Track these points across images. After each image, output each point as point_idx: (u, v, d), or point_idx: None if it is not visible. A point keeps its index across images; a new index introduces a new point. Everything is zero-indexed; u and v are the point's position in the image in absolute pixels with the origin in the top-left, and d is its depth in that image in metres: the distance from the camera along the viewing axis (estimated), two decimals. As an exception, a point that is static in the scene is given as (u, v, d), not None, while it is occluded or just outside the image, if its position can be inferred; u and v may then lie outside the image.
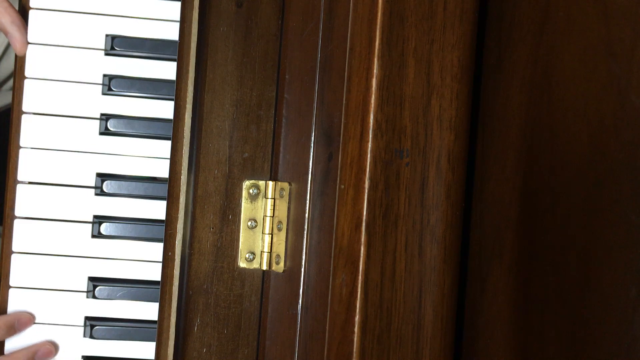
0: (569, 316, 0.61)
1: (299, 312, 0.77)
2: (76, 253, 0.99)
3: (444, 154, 0.70)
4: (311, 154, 0.78)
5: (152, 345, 0.98)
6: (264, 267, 0.85)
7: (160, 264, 0.86)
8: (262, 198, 0.86)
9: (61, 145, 0.98)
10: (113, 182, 0.99)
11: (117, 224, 0.99)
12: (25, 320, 0.97)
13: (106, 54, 0.99)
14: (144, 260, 1.00)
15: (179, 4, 0.93)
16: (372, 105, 0.68)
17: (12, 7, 0.97)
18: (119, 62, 1.00)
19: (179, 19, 0.86)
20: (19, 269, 0.98)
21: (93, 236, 0.99)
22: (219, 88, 0.87)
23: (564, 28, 0.63)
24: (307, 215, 0.77)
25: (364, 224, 0.68)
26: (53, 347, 0.97)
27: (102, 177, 0.99)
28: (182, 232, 0.84)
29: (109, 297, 0.99)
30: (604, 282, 0.58)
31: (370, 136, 0.68)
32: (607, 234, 0.58)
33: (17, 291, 0.98)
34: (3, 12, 0.96)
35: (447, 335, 0.70)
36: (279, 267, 0.83)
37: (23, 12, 0.98)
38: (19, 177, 0.98)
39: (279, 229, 0.84)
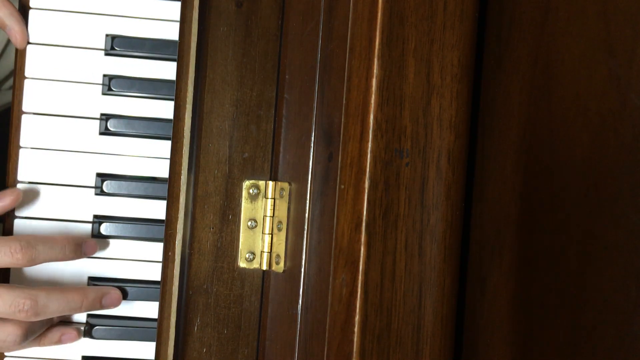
0: (569, 316, 0.61)
1: (299, 312, 0.77)
2: (76, 253, 0.99)
3: (444, 154, 0.70)
4: (311, 154, 0.77)
5: (152, 345, 0.98)
6: (264, 267, 0.85)
7: (160, 264, 0.86)
8: (262, 198, 0.86)
9: (61, 145, 0.98)
10: (113, 182, 0.99)
11: (117, 224, 0.99)
12: (93, 246, 0.96)
13: (106, 54, 0.99)
14: (144, 260, 1.00)
15: (179, 4, 0.93)
16: (372, 105, 0.68)
17: (9, 1, 0.95)
18: (119, 62, 0.99)
19: (179, 19, 0.86)
20: (19, 269, 0.98)
21: (93, 236, 0.99)
22: (219, 88, 0.87)
23: (564, 28, 0.63)
24: (307, 215, 0.77)
25: (364, 224, 0.68)
26: (120, 296, 0.96)
27: (102, 177, 0.99)
28: (182, 232, 0.84)
29: (109, 297, 0.99)
30: (604, 282, 0.58)
31: (370, 136, 0.68)
32: (607, 234, 0.58)
33: (17, 291, 0.98)
34: (1, 5, 0.94)
35: (447, 335, 0.70)
36: (279, 267, 0.83)
37: (23, 12, 0.98)
38: (19, 177, 0.98)
39: (279, 229, 0.84)
